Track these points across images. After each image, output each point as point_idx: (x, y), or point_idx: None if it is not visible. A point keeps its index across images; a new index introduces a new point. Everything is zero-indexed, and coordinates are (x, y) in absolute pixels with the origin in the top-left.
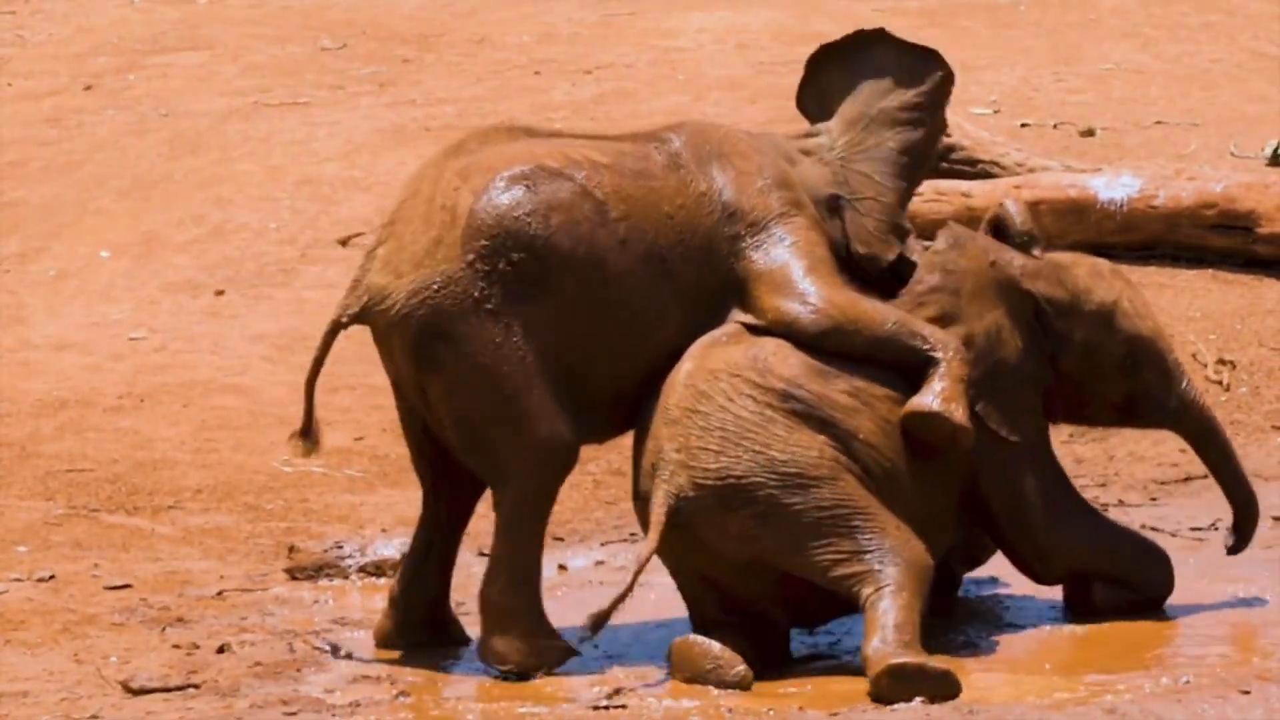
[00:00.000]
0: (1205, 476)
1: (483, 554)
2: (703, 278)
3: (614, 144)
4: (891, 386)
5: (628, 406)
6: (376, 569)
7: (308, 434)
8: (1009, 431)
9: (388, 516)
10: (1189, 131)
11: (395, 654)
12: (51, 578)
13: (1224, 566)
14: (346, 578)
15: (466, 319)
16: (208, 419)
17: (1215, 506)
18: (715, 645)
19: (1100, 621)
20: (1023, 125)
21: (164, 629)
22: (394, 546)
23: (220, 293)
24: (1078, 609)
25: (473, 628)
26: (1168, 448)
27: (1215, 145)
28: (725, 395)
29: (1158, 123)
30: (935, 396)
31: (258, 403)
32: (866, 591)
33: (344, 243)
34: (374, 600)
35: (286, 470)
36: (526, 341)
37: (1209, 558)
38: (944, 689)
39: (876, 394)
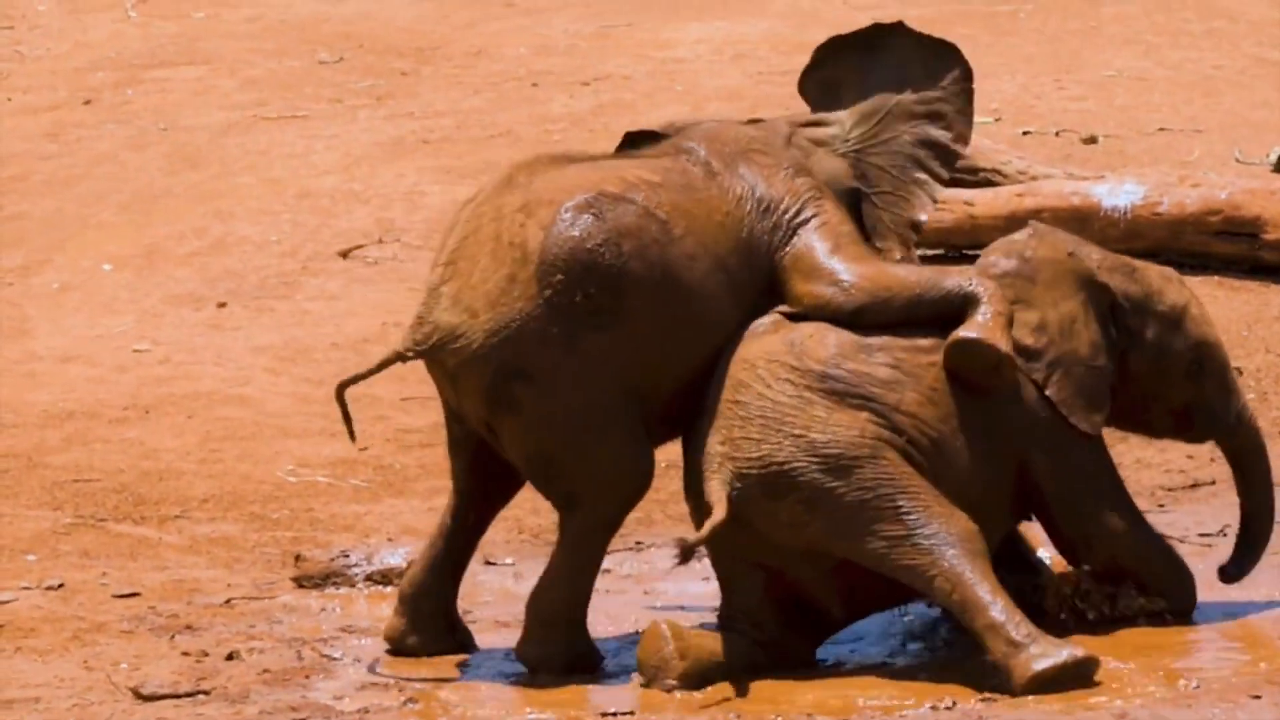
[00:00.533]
0: (1212, 483)
1: (489, 562)
2: (754, 278)
3: (653, 161)
4: (936, 354)
5: (693, 415)
6: (383, 577)
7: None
8: (1079, 419)
9: (393, 525)
10: (1192, 138)
11: (404, 661)
12: (60, 586)
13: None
14: (353, 586)
15: (545, 356)
16: (212, 430)
17: (1223, 513)
18: (671, 645)
19: (1109, 627)
20: (1025, 133)
21: (173, 636)
22: (400, 555)
23: (222, 305)
24: (1096, 608)
25: (480, 635)
26: (1175, 454)
27: (1219, 152)
28: (763, 382)
29: (1161, 129)
30: (977, 327)
31: (261, 413)
32: (945, 589)
33: (345, 255)
34: (380, 608)
35: (292, 480)
36: (602, 371)
37: (1217, 563)
38: (1087, 671)
39: (921, 363)
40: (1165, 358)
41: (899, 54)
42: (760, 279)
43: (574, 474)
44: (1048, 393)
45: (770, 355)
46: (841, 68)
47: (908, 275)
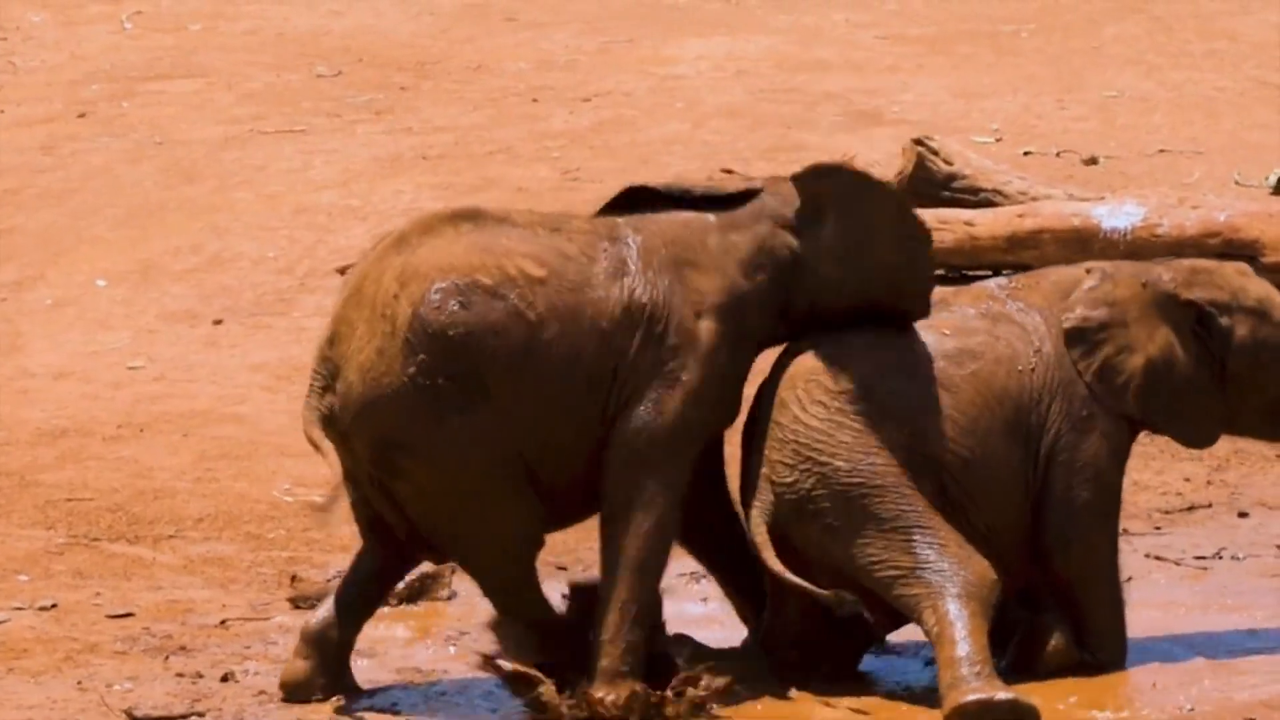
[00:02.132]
0: (1209, 506)
1: None
2: (618, 397)
3: (561, 242)
4: (974, 363)
5: (583, 492)
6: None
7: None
8: (1193, 438)
9: None
10: (1193, 159)
11: (401, 682)
12: (54, 606)
13: (1227, 595)
14: None
15: (417, 430)
16: (208, 448)
17: (1219, 536)
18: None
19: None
20: (1025, 153)
21: (167, 657)
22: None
23: (218, 322)
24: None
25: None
26: (1171, 476)
27: (1219, 173)
28: (799, 404)
29: (1161, 151)
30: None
31: (257, 432)
32: (929, 621)
33: (342, 272)
34: (376, 629)
35: (287, 500)
36: (474, 447)
37: (1213, 586)
38: (1018, 715)
39: (957, 377)
40: (1263, 351)
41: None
42: (626, 398)
43: (462, 542)
44: (1160, 427)
45: (809, 373)
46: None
47: (665, 532)
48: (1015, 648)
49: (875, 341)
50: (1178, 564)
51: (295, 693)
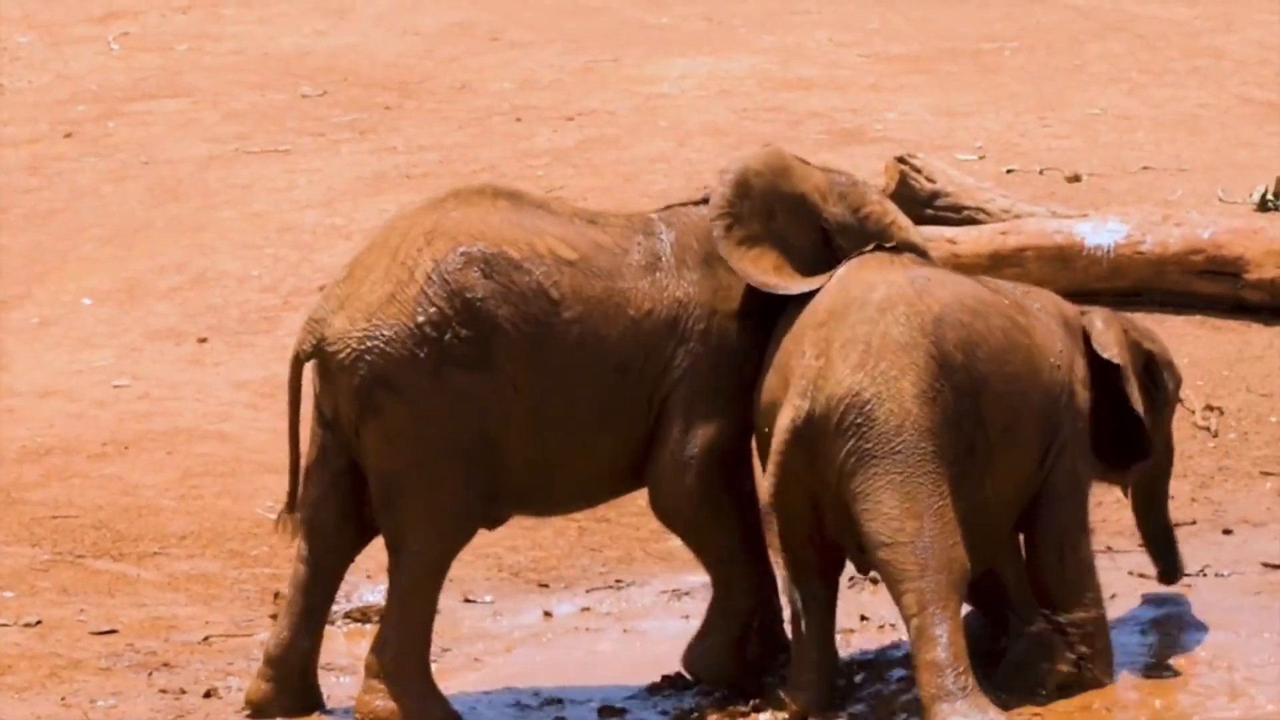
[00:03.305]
0: (1193, 523)
1: (469, 600)
2: (659, 386)
3: (596, 232)
4: (1033, 335)
5: (549, 486)
6: (362, 615)
7: (294, 506)
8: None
9: (372, 563)
10: (1176, 177)
11: None
12: (38, 623)
13: (1215, 612)
14: (332, 624)
15: (409, 374)
16: (192, 466)
17: (1203, 553)
18: None
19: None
20: (1008, 171)
21: (151, 674)
22: (379, 592)
23: (203, 340)
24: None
25: (458, 674)
26: None
27: (1203, 191)
28: (878, 306)
29: (1145, 168)
30: None
31: (241, 449)
32: (910, 606)
33: None
34: (359, 645)
35: (271, 517)
36: (462, 409)
37: (1199, 603)
38: None
39: (1021, 344)
40: (1171, 403)
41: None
42: (637, 398)
43: (408, 503)
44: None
45: (890, 283)
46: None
47: (730, 521)
48: (1013, 669)
49: (955, 274)
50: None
51: (261, 712)
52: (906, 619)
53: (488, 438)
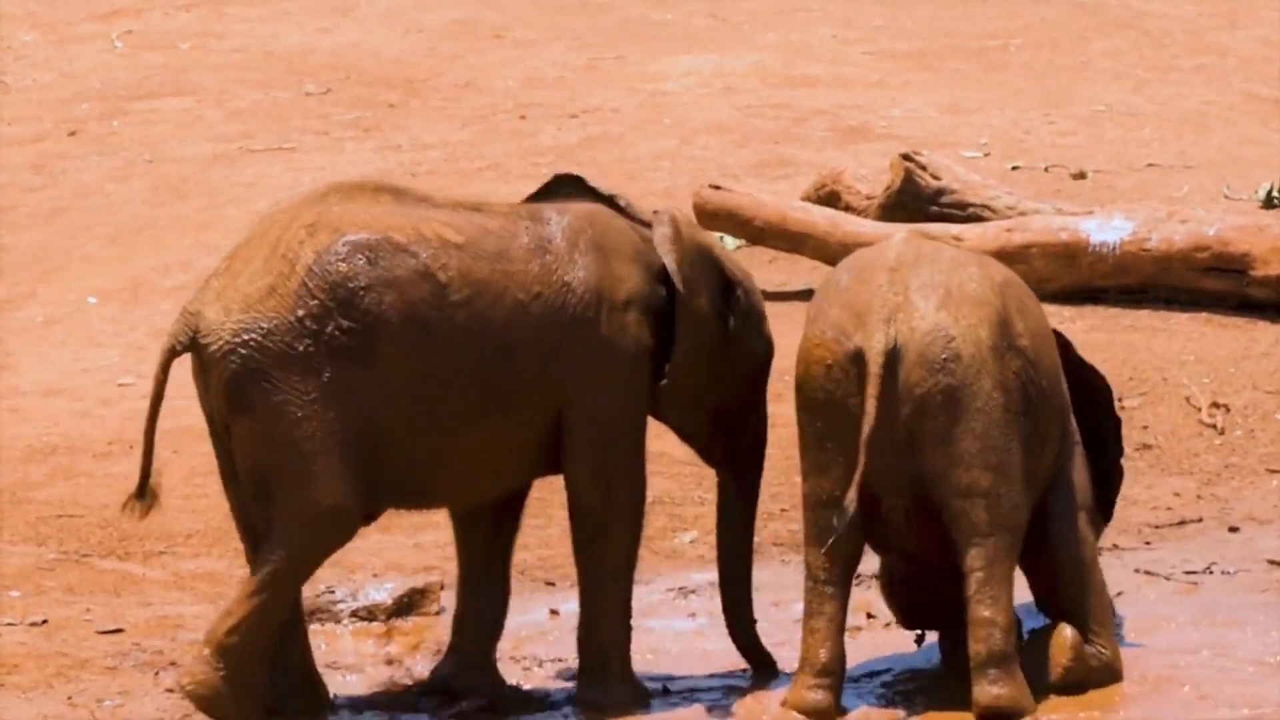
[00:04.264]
0: (1199, 520)
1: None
2: (545, 373)
3: (482, 218)
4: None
5: (431, 479)
6: (368, 613)
7: (143, 493)
8: None
9: (378, 561)
10: (1182, 174)
11: (390, 696)
12: (44, 622)
13: (1219, 611)
14: (338, 622)
15: (285, 368)
16: (197, 465)
17: (1209, 551)
18: None
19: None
20: (1014, 168)
21: (157, 673)
22: (386, 591)
23: None
24: None
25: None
26: (1161, 491)
27: (1208, 187)
28: (952, 262)
29: (1150, 165)
30: None
31: None
32: (975, 560)
33: None
34: (366, 644)
35: None
36: (341, 403)
37: (1203, 602)
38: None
39: (1049, 344)
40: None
41: None
42: (531, 381)
43: (282, 498)
44: None
45: (955, 249)
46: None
47: (637, 513)
48: (1029, 655)
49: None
50: (1168, 579)
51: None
52: (967, 570)
53: (367, 431)
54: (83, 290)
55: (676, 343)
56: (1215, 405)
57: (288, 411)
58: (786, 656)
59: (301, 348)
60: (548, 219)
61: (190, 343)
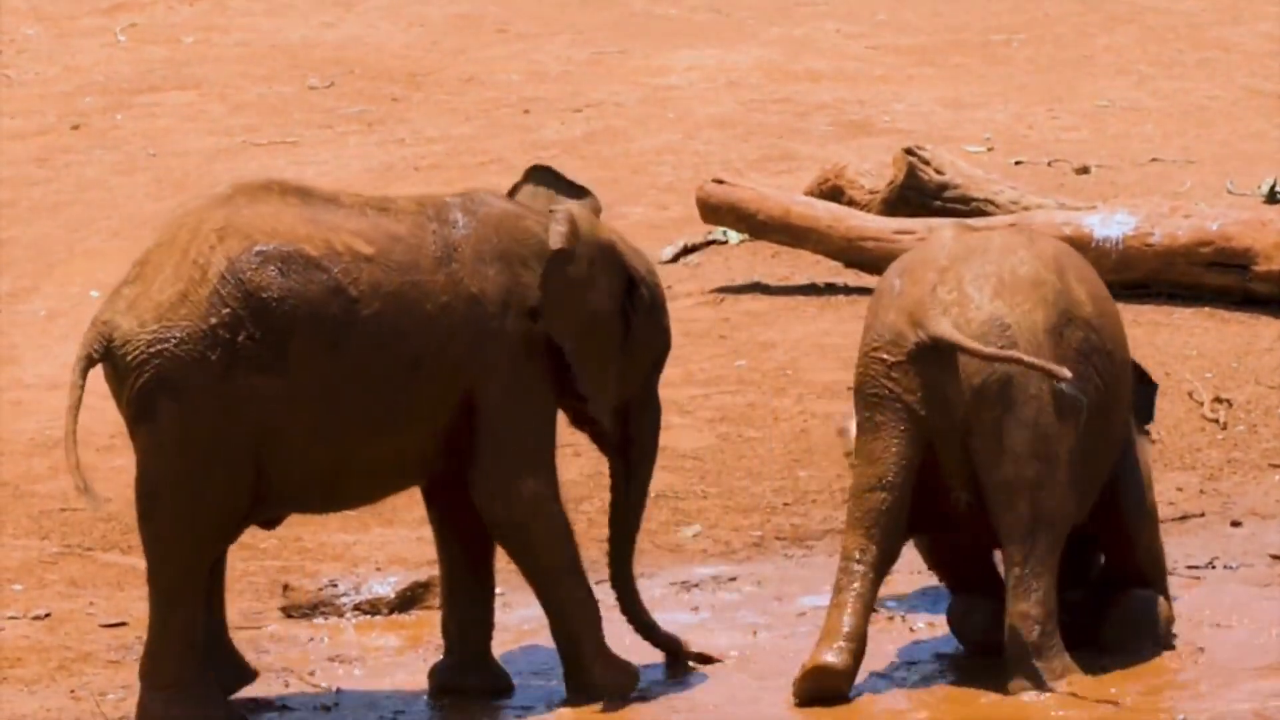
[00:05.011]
0: (1201, 515)
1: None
2: (454, 382)
3: (390, 222)
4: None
5: (330, 486)
6: (372, 607)
7: (88, 494)
8: None
9: (382, 555)
10: (1185, 169)
11: (399, 689)
12: (47, 615)
13: (1221, 606)
14: (341, 616)
15: (196, 378)
16: None
17: (1211, 545)
18: None
19: (1099, 662)
20: (1017, 163)
21: None
22: (389, 585)
23: None
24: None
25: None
26: (1164, 485)
27: (1211, 182)
28: (1001, 249)
29: (1153, 160)
30: None
31: None
32: (1014, 554)
33: None
34: (370, 637)
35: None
36: (243, 413)
37: (1206, 596)
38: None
39: (1116, 333)
40: None
41: None
42: (440, 390)
43: (170, 508)
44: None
45: (1003, 234)
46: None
47: (560, 539)
48: (1117, 625)
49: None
50: (1171, 573)
51: None
52: (1008, 564)
53: (266, 440)
54: (85, 284)
55: (567, 353)
56: (1218, 400)
57: (185, 421)
58: (795, 648)
59: (214, 356)
60: (454, 221)
61: (105, 352)
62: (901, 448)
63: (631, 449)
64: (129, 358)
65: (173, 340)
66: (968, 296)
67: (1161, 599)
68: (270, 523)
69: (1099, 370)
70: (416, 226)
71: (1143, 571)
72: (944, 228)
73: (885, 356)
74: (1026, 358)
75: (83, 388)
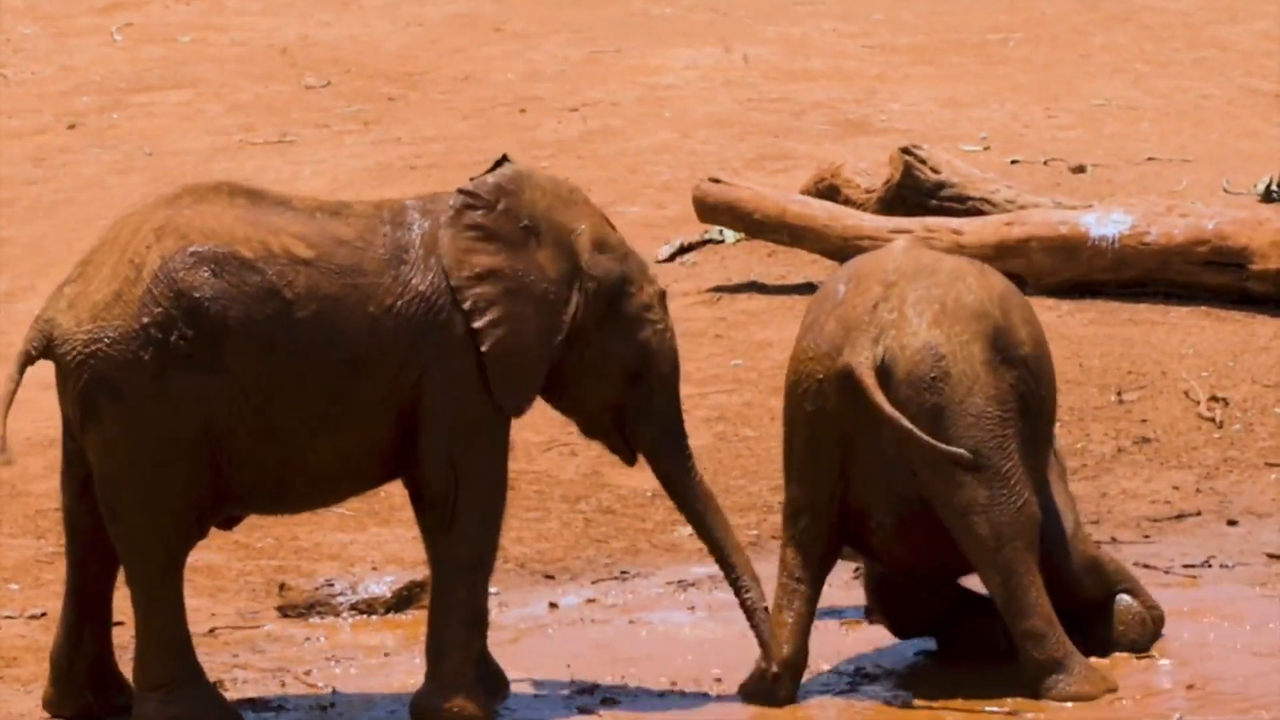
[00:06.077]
0: (1197, 514)
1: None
2: (399, 382)
3: (338, 225)
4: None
5: (280, 486)
6: (368, 606)
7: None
8: None
9: (378, 554)
10: (1181, 168)
11: (395, 689)
12: (43, 615)
13: (1218, 605)
14: (338, 615)
15: (134, 378)
16: None
17: (1208, 544)
18: None
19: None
20: (1013, 162)
21: None
22: (385, 584)
23: None
24: None
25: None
26: (1160, 484)
27: (1207, 181)
28: (951, 273)
29: (1149, 159)
30: None
31: None
32: (990, 578)
33: None
34: (366, 637)
35: None
36: (185, 412)
37: (1203, 595)
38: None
39: (1045, 353)
40: None
41: None
42: (383, 389)
43: (132, 507)
44: None
45: (955, 259)
46: None
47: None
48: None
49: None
50: (1167, 572)
51: (53, 712)
52: (988, 587)
53: (213, 440)
54: None
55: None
56: (1214, 399)
57: (131, 421)
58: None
59: (147, 356)
60: (409, 223)
61: (45, 351)
62: (832, 469)
63: (647, 455)
64: (67, 357)
65: (106, 340)
66: (906, 319)
67: (1133, 602)
68: (228, 522)
69: (1030, 410)
70: (367, 230)
71: (1089, 598)
72: (900, 239)
73: (818, 370)
74: (921, 435)
75: (18, 383)
